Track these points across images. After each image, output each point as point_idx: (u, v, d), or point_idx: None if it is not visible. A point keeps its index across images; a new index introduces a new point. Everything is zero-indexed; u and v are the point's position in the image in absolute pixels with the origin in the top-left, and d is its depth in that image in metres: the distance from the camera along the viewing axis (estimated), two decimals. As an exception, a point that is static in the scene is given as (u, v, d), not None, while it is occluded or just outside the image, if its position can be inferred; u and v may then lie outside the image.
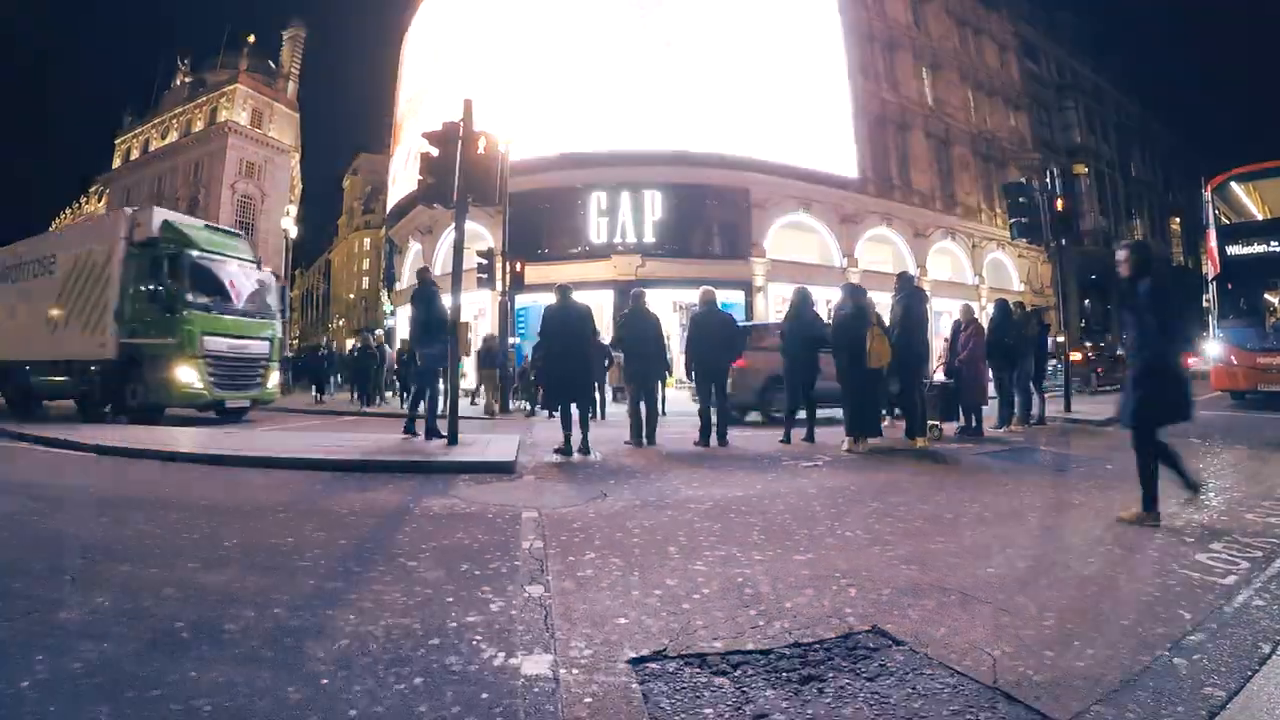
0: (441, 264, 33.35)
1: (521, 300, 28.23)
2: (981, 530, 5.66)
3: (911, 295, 11.18)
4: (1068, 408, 15.80)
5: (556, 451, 10.11)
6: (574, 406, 10.39)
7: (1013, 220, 16.59)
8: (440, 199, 10.72)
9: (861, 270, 33.99)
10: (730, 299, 30.70)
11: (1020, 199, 16.45)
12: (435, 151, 10.54)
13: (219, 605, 3.92)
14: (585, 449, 10.20)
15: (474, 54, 34.19)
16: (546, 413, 17.09)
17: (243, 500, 7.01)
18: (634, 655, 3.26)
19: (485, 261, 20.82)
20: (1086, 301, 51.27)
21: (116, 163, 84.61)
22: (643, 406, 11.39)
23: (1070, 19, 59.68)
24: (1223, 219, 19.10)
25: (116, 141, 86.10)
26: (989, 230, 42.56)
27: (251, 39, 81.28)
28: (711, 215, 32.36)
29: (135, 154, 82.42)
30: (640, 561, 4.78)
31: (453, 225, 11.13)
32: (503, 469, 8.61)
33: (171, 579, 4.38)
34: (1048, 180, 16.47)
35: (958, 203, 41.62)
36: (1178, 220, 66.40)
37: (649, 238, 30.41)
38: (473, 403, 21.67)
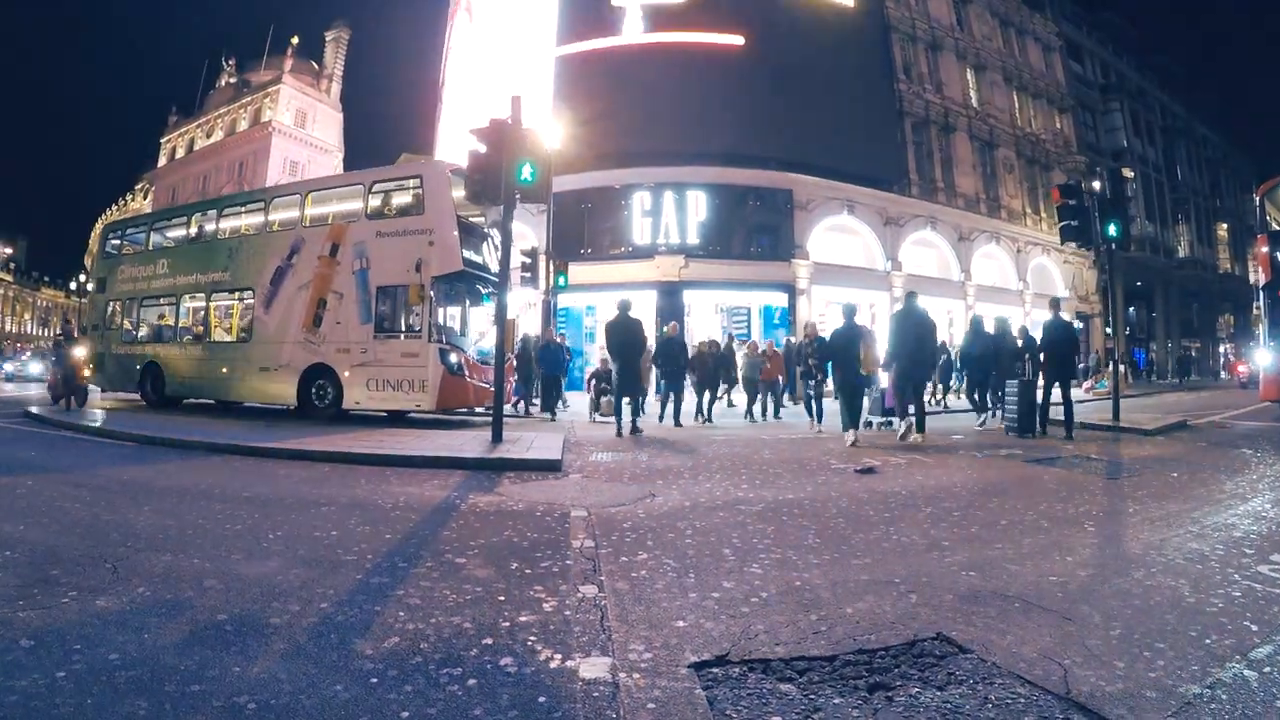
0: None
1: (564, 300, 28.22)
2: (1039, 537, 5.47)
3: (905, 310, 12.83)
4: (1115, 416, 15.31)
5: (619, 435, 12.75)
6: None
7: (1062, 223, 16.13)
8: (489, 197, 10.65)
9: (906, 274, 33.46)
10: (774, 302, 30.79)
11: (1070, 201, 15.99)
12: (483, 149, 10.48)
13: (262, 598, 3.83)
14: (635, 430, 12.95)
15: (515, 48, 34.09)
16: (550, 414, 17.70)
17: (285, 493, 6.96)
18: (695, 660, 3.09)
19: (529, 260, 20.69)
20: (1131, 309, 50.37)
21: (162, 161, 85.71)
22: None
23: (1114, 19, 58.40)
24: (1274, 224, 18.49)
25: (162, 141, 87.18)
26: (1034, 235, 41.59)
27: (295, 40, 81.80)
28: (755, 216, 31.81)
29: (180, 153, 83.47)
30: (695, 563, 4.61)
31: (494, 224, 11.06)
32: (549, 467, 8.51)
33: (214, 570, 4.31)
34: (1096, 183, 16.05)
35: (1002, 206, 40.63)
36: (1225, 227, 64.88)
37: (692, 239, 29.82)
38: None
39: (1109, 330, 44.07)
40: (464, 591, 3.96)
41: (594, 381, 18.04)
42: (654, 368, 16.76)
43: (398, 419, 15.60)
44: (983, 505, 6.66)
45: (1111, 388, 16.99)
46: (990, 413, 15.70)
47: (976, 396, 15.86)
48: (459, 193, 14.12)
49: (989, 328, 16.60)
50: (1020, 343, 15.97)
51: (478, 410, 16.75)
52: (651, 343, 16.77)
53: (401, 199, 15.77)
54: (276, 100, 76.45)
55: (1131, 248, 44.18)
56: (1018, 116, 43.77)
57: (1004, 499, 6.99)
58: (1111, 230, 15.71)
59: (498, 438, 9.96)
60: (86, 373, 17.31)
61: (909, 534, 5.51)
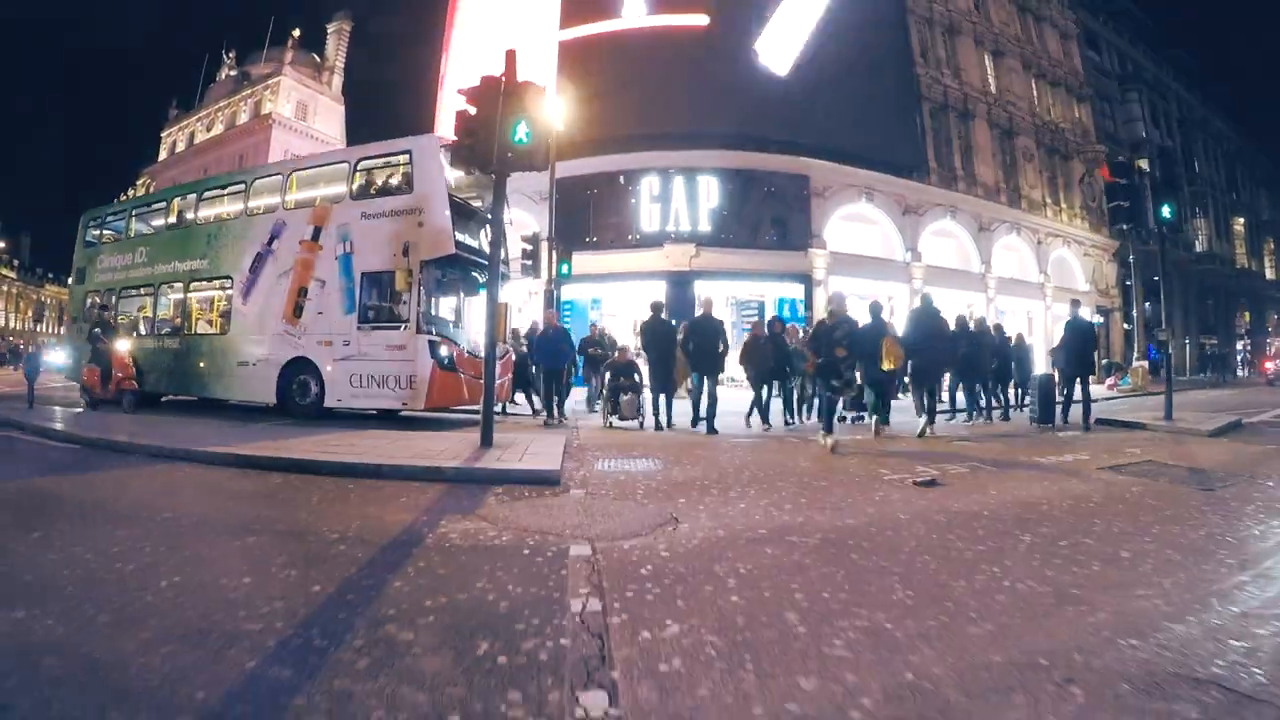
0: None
1: (569, 292, 27.28)
2: (1178, 575, 4.28)
3: (921, 309, 13.46)
4: (1169, 415, 14.11)
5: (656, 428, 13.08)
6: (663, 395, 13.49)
7: (1112, 204, 14.78)
8: (478, 163, 9.24)
9: (926, 265, 32.23)
10: (789, 293, 29.25)
11: (1121, 180, 14.64)
12: (473, 110, 9.09)
13: (96, 708, 2.49)
14: (669, 423, 13.19)
15: (517, 32, 32.53)
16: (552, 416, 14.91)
17: (215, 512, 5.62)
18: None
19: (530, 247, 19.32)
20: (1147, 304, 49.17)
21: (163, 155, 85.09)
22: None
23: (1130, 7, 57.07)
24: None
25: (163, 135, 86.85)
26: (1055, 226, 40.60)
27: (297, 32, 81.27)
28: (769, 203, 30.03)
29: (181, 147, 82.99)
30: (750, 640, 3.16)
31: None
32: (544, 480, 7.02)
33: (64, 641, 3.08)
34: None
35: (1022, 196, 39.38)
36: (1241, 221, 63.78)
37: (704, 226, 28.25)
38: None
39: (1127, 326, 43.03)
40: (396, 706, 2.53)
41: (609, 376, 14.40)
42: (683, 357, 13.83)
43: (389, 418, 14.35)
44: (1086, 529, 5.37)
45: (1165, 384, 15.82)
46: (977, 412, 15.40)
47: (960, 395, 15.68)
48: (458, 173, 13.24)
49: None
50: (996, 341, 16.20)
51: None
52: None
53: (389, 177, 14.38)
54: (277, 92, 76.26)
55: (1150, 242, 43.25)
56: (1036, 104, 42.69)
57: (1107, 520, 5.70)
58: (1165, 212, 14.54)
59: (487, 442, 8.50)
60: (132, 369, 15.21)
61: (1022, 577, 4.16)
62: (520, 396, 16.45)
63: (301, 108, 77.57)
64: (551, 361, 14.62)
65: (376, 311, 13.53)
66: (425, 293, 13.15)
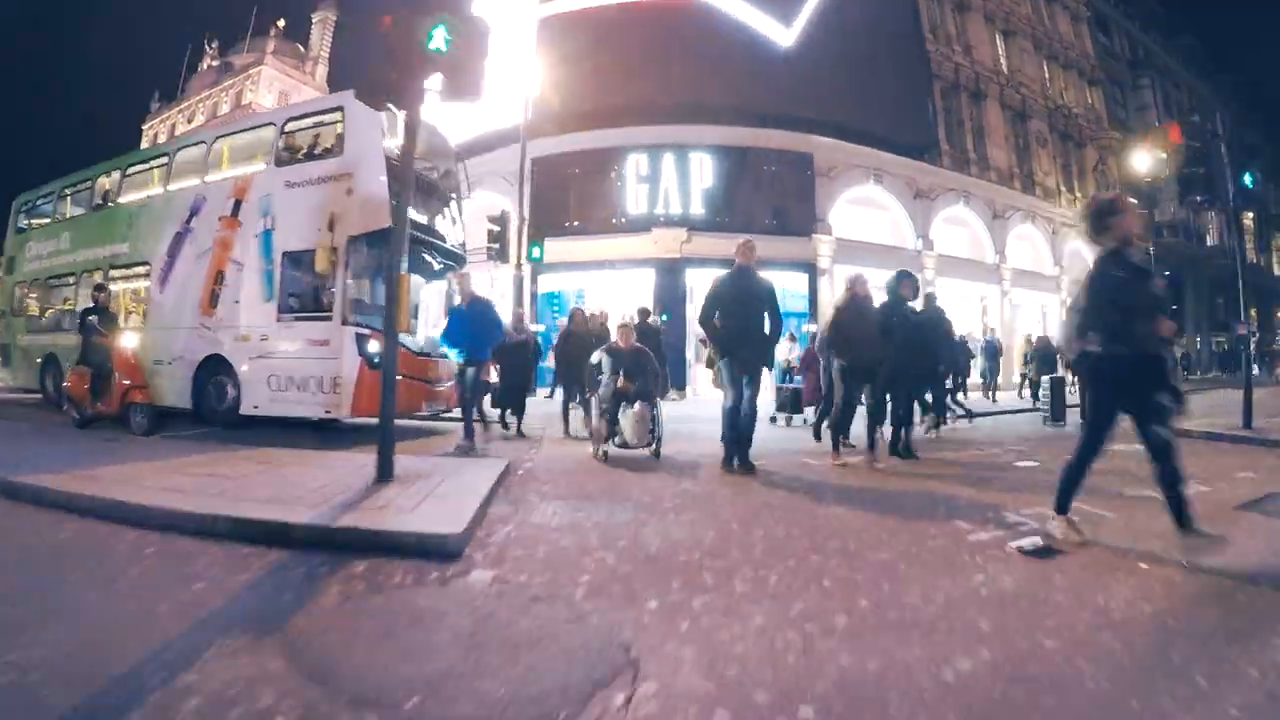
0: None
1: (553, 283, 25.96)
2: None
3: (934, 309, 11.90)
4: (1248, 423, 12.07)
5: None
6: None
7: (1187, 171, 12.59)
8: (391, 91, 6.87)
9: (937, 254, 30.04)
10: (791, 284, 26.45)
11: (1194, 142, 12.46)
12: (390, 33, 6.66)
13: None
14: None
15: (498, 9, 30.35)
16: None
17: None
18: None
19: (498, 229, 16.97)
20: (1163, 300, 47.46)
21: (144, 147, 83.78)
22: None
23: (1141, -8, 55.64)
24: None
25: (144, 127, 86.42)
26: (1069, 215, 38.30)
27: (281, 23, 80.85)
28: (769, 184, 27.68)
29: (162, 139, 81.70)
30: None
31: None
32: (436, 550, 4.31)
33: None
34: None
35: (1036, 183, 37.69)
36: (1250, 215, 62.37)
37: (696, 209, 25.75)
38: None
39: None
40: None
41: (605, 370, 9.53)
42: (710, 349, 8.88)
43: (329, 426, 11.93)
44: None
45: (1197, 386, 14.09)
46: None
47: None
48: (423, 146, 11.12)
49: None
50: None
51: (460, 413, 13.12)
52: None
53: (318, 138, 12.08)
54: (258, 82, 76.31)
55: (1165, 234, 41.71)
56: (1049, 86, 41.12)
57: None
58: (1246, 179, 12.46)
59: (385, 474, 5.93)
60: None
61: None
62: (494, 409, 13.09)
63: (284, 98, 76.39)
64: (472, 350, 10.35)
65: (300, 299, 11.29)
66: (356, 276, 10.88)
